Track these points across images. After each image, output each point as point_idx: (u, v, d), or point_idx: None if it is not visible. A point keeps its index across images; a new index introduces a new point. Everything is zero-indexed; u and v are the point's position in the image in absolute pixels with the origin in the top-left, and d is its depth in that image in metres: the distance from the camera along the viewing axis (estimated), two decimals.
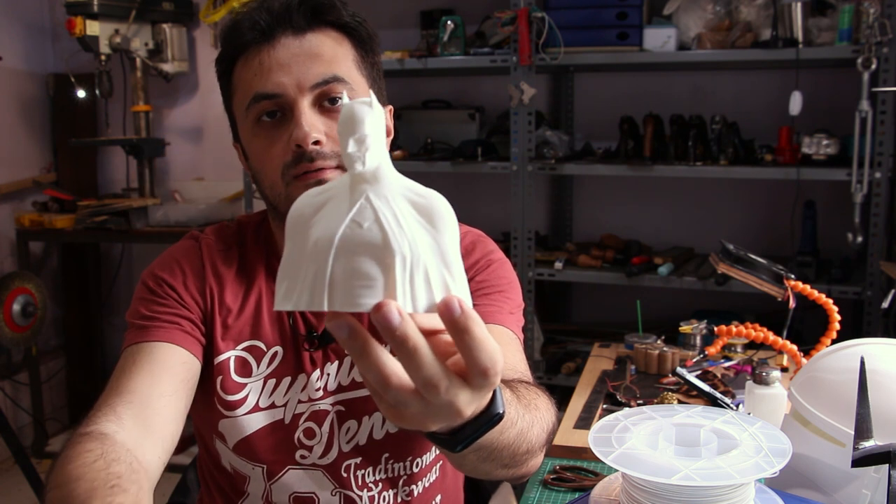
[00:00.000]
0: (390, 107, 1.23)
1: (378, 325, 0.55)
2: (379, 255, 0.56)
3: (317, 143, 1.07)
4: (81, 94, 3.80)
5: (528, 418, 0.90)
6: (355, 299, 0.56)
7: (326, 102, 1.10)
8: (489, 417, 0.69)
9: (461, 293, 0.59)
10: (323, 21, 1.12)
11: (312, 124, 1.07)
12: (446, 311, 0.57)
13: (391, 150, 1.24)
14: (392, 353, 0.58)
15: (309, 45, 1.10)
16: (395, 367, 0.58)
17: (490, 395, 0.68)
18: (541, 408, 0.95)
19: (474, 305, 1.12)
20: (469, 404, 0.62)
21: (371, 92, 0.59)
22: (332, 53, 1.11)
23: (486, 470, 0.89)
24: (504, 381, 0.96)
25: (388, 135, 1.22)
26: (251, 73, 1.10)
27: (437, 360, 0.58)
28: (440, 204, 0.59)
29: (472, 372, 0.59)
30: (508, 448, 0.86)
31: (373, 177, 0.57)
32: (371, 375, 0.58)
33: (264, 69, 1.09)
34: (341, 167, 1.09)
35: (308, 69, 1.08)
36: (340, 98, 1.09)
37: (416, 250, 0.56)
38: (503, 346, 1.10)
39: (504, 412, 0.71)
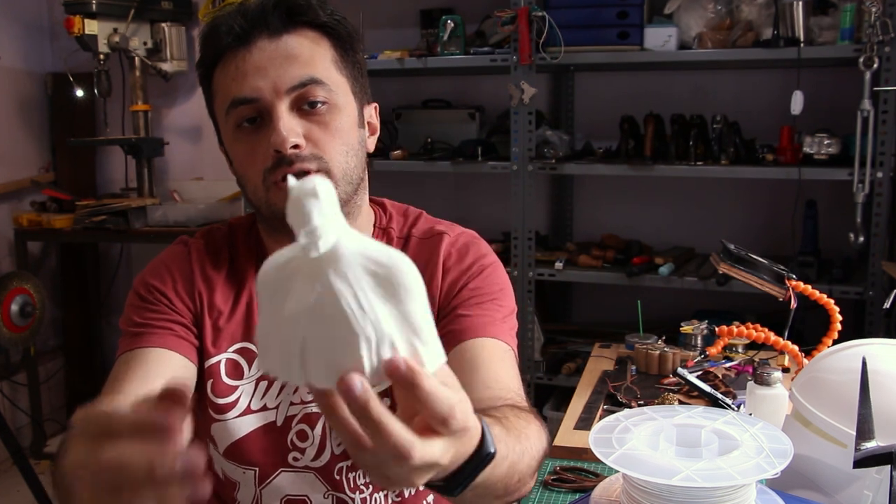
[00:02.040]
0: (375, 104, 1.22)
1: (344, 400, 0.57)
2: (344, 339, 0.57)
3: (296, 146, 1.07)
4: (80, 93, 3.78)
5: (519, 450, 0.89)
6: (324, 378, 0.58)
7: (306, 106, 1.09)
8: (481, 458, 0.70)
9: (431, 353, 0.60)
10: (299, 22, 1.10)
11: (290, 128, 1.06)
12: (392, 370, 0.58)
13: (378, 147, 1.24)
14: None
15: (285, 47, 1.08)
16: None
17: (477, 437, 0.69)
18: (531, 437, 0.94)
19: (466, 316, 1.12)
20: (446, 453, 0.63)
21: (316, 178, 0.58)
22: (310, 55, 1.09)
23: (483, 503, 0.89)
24: (493, 409, 0.96)
25: (373, 132, 1.21)
26: (229, 79, 1.09)
27: (403, 427, 0.59)
28: (400, 271, 0.59)
29: (434, 423, 0.61)
30: (501, 481, 0.85)
31: (331, 257, 0.58)
32: (344, 437, 0.59)
33: (241, 74, 1.08)
34: (321, 171, 1.08)
35: (284, 72, 1.07)
36: (319, 102, 1.09)
37: (381, 328, 0.58)
38: (495, 362, 1.10)
39: (495, 451, 0.72)
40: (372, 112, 1.21)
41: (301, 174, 1.07)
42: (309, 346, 0.58)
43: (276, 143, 1.06)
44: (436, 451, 0.61)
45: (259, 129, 1.09)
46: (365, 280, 0.58)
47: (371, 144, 1.20)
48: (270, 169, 1.08)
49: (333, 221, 0.58)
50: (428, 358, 0.60)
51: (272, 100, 1.07)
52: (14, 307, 3.30)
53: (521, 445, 0.89)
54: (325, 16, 1.12)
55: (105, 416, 0.57)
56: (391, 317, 0.58)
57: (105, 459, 0.56)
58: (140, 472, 0.55)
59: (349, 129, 1.12)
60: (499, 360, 1.12)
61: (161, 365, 1.09)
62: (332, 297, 0.57)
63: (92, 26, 3.36)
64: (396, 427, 0.58)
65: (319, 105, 1.09)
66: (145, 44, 3.60)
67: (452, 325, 1.14)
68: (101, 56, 3.46)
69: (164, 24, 3.60)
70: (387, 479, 0.62)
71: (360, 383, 0.56)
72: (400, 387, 0.59)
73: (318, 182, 0.58)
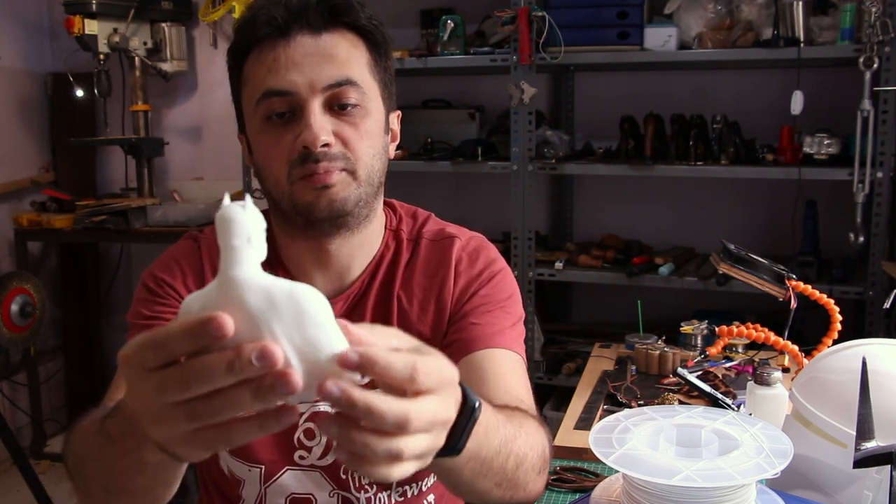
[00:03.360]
0: (398, 112, 1.23)
1: (333, 405, 0.61)
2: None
3: (325, 144, 1.07)
4: (80, 93, 3.78)
5: (511, 429, 0.90)
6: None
7: (337, 106, 1.09)
8: (470, 409, 0.74)
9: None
10: (340, 22, 1.11)
11: (322, 126, 1.07)
12: (346, 364, 0.61)
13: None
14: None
15: (324, 46, 1.09)
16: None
17: (459, 392, 0.73)
18: (527, 428, 0.95)
19: (475, 325, 1.14)
20: (442, 407, 0.67)
21: (247, 195, 0.61)
22: (347, 55, 1.10)
23: (484, 489, 0.90)
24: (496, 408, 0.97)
25: (394, 140, 1.22)
26: (264, 69, 1.09)
27: (391, 398, 0.62)
28: (304, 299, 0.61)
29: (406, 386, 0.64)
30: (497, 458, 0.87)
31: (241, 280, 0.60)
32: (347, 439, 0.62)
33: (278, 65, 1.08)
34: (347, 170, 1.09)
35: (322, 69, 1.08)
36: (351, 104, 1.09)
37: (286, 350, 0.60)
38: (504, 374, 1.12)
39: (480, 402, 0.75)
40: (395, 119, 1.22)
41: (326, 174, 1.08)
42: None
43: (307, 140, 1.06)
44: (429, 407, 0.65)
45: (288, 123, 1.09)
46: (267, 304, 0.59)
47: (392, 151, 1.21)
48: (296, 163, 1.08)
49: (255, 248, 0.60)
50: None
51: (307, 96, 1.07)
52: (14, 307, 3.29)
53: (512, 426, 0.91)
54: (364, 19, 1.12)
55: (152, 342, 0.60)
56: (289, 340, 0.59)
57: (182, 374, 0.59)
58: (221, 372, 0.58)
59: (376, 133, 1.13)
60: (507, 370, 1.13)
61: None
62: (250, 319, 0.59)
63: (92, 26, 3.36)
64: (386, 401, 0.61)
65: (351, 107, 1.09)
66: (145, 44, 3.60)
67: (462, 334, 1.15)
68: (101, 56, 3.46)
69: (164, 24, 3.60)
70: (394, 462, 0.64)
71: (336, 388, 0.59)
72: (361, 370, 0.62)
73: (249, 205, 0.60)
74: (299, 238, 1.17)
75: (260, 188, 1.17)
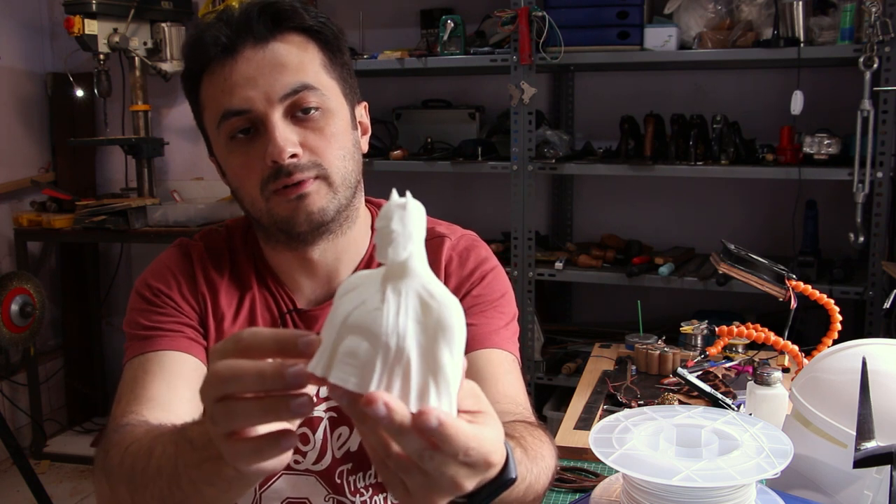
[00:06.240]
0: (365, 103, 1.21)
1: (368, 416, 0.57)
2: (370, 340, 0.59)
3: (293, 156, 1.05)
4: (80, 93, 3.79)
5: (536, 471, 0.89)
6: (343, 375, 0.59)
7: (299, 113, 1.07)
8: (503, 482, 0.70)
9: (442, 400, 0.59)
10: (285, 28, 1.09)
11: (286, 138, 1.05)
12: (422, 422, 0.57)
13: (378, 147, 1.23)
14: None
15: (273, 55, 1.07)
16: None
17: (501, 462, 0.69)
18: (546, 456, 0.94)
19: (469, 325, 1.13)
20: (470, 480, 0.62)
21: (408, 193, 0.60)
22: (298, 61, 1.08)
23: None
24: (509, 426, 0.95)
25: (365, 132, 1.20)
26: (217, 90, 1.07)
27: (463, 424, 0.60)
28: (449, 314, 0.60)
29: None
30: (518, 501, 0.86)
31: (397, 271, 0.60)
32: (373, 439, 0.60)
33: (230, 85, 1.06)
34: (320, 177, 1.08)
35: (275, 80, 1.06)
36: (313, 108, 1.07)
37: (404, 346, 0.58)
38: (502, 376, 1.10)
39: (516, 476, 0.72)
40: (362, 112, 1.20)
41: (300, 184, 1.06)
42: (340, 345, 0.59)
43: (273, 154, 1.04)
44: (462, 474, 0.61)
45: (253, 139, 1.07)
46: (413, 301, 0.59)
47: (364, 144, 1.19)
48: (268, 179, 1.07)
49: (417, 241, 0.60)
50: (436, 403, 0.59)
51: (265, 109, 1.05)
52: (14, 307, 3.29)
53: (537, 467, 0.90)
54: (310, 19, 1.10)
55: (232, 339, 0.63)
56: (418, 347, 0.59)
57: (216, 369, 0.61)
58: (250, 378, 0.60)
59: (344, 133, 1.11)
60: (505, 372, 1.12)
61: (178, 367, 1.08)
62: (377, 299, 0.59)
63: (92, 26, 3.36)
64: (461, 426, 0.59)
65: (313, 111, 1.08)
66: (145, 44, 3.59)
67: None
68: (101, 56, 3.46)
69: (164, 24, 3.60)
70: (406, 492, 0.62)
71: (384, 403, 0.56)
72: (427, 438, 0.58)
73: (415, 202, 0.60)
74: (283, 249, 1.16)
75: (240, 207, 1.16)
